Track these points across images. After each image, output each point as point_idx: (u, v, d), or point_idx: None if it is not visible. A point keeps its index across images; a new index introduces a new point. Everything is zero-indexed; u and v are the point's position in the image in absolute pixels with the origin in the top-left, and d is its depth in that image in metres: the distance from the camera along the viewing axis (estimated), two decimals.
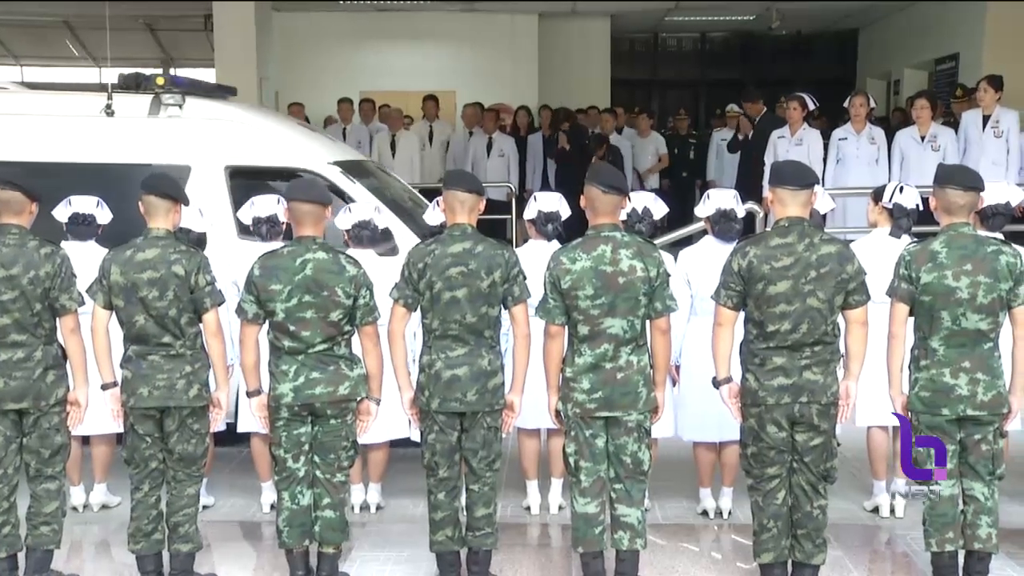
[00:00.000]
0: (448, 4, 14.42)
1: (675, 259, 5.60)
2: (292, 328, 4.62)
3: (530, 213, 5.71)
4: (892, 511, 5.71)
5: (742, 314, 4.58)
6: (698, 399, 5.42)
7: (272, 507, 5.57)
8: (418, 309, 4.74)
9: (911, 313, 4.58)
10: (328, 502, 4.74)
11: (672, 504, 5.92)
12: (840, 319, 4.52)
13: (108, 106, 6.73)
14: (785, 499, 4.58)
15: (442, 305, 4.66)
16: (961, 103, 10.65)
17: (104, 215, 5.75)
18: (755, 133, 11.02)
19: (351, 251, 5.38)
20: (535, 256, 5.31)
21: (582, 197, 4.67)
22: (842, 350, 4.55)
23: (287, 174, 6.58)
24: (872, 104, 9.93)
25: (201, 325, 4.76)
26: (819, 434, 4.52)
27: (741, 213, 5.62)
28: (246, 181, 6.53)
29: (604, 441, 4.60)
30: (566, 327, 4.61)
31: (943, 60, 13.86)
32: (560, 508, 5.76)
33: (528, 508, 5.86)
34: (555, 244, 5.53)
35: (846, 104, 9.78)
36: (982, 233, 4.79)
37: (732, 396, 4.62)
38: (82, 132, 6.70)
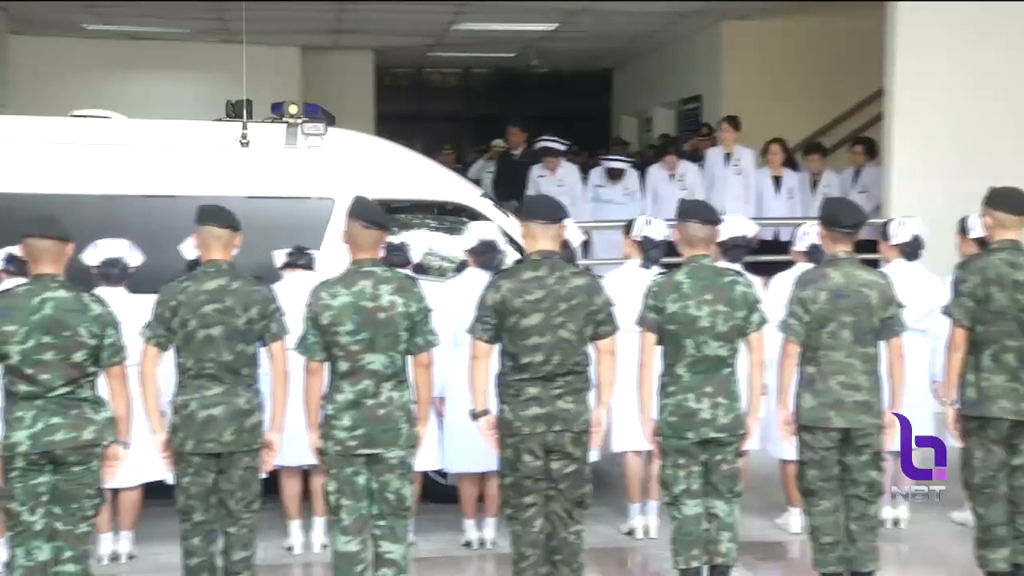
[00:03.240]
0: (205, 35, 14.04)
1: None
2: (29, 371, 4.34)
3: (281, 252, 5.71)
4: (646, 532, 5.95)
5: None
6: (463, 430, 5.46)
7: (6, 566, 5.18)
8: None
9: (659, 342, 4.81)
10: (70, 555, 4.45)
11: (436, 536, 5.94)
12: (591, 349, 4.68)
13: (244, 136, 6.30)
14: (543, 527, 4.68)
15: (196, 343, 4.55)
16: (705, 140, 11.33)
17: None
18: (516, 168, 11.29)
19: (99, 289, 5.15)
20: (293, 290, 5.24)
21: (344, 232, 4.66)
22: (594, 379, 4.72)
23: (440, 207, 6.54)
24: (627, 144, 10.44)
25: None
26: (573, 461, 4.65)
27: (503, 245, 5.76)
28: (395, 215, 6.06)
29: (366, 478, 4.57)
30: (326, 363, 4.57)
31: (688, 100, 14.71)
32: (323, 547, 5.67)
33: (290, 548, 5.74)
34: (315, 277, 5.48)
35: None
36: (720, 264, 5.10)
37: (489, 428, 4.70)
38: (215, 163, 6.31)
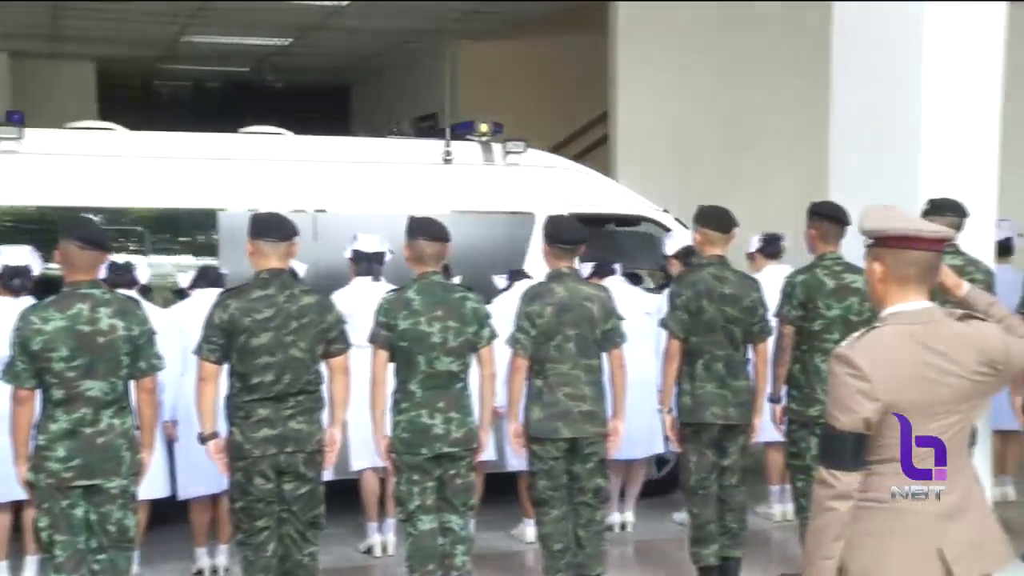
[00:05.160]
0: None
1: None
2: None
3: None
4: (384, 550, 5.94)
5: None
6: (194, 454, 5.27)
7: None
8: None
9: (392, 358, 4.81)
10: None
11: (165, 567, 5.74)
12: (323, 367, 4.63)
13: (447, 153, 6.59)
14: (275, 550, 4.58)
15: None
16: None
17: None
18: None
19: None
20: (5, 314, 4.90)
21: (57, 252, 4.39)
22: (326, 397, 4.67)
23: (632, 221, 7.24)
24: None
25: None
26: (306, 482, 4.58)
27: (226, 269, 5.68)
28: (591, 228, 5.90)
29: (84, 510, 4.32)
30: (38, 391, 4.29)
31: (424, 118, 14.87)
32: None
33: None
34: (26, 300, 5.16)
35: None
36: (450, 281, 5.18)
37: (218, 451, 4.56)
38: (422, 180, 6.62)
